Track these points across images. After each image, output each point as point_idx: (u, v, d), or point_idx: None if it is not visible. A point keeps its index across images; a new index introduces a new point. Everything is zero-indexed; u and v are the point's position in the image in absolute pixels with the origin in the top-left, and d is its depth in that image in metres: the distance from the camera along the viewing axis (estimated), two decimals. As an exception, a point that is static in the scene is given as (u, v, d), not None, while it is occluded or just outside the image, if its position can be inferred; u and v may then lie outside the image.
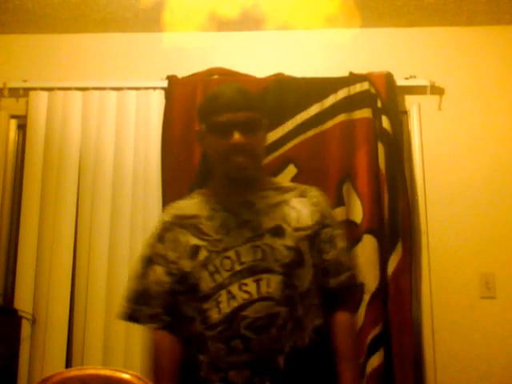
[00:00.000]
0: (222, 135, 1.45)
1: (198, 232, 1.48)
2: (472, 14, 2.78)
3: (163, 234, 1.54)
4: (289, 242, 1.44)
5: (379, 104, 2.70)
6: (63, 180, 2.70)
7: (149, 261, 1.54)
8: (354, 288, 1.58)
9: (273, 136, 2.65)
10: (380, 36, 2.89)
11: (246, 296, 1.38)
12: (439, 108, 2.81)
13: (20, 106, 2.86)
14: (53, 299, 2.59)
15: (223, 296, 1.40)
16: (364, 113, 2.68)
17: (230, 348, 1.36)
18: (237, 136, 1.43)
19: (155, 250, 1.54)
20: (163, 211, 1.64)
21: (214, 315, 1.40)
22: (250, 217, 1.47)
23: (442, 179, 2.74)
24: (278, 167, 2.62)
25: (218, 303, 1.40)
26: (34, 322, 2.59)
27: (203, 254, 1.45)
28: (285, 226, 1.46)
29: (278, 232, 1.45)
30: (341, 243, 1.54)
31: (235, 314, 1.38)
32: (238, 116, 1.45)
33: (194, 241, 1.47)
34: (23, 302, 2.60)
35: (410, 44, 2.89)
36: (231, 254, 1.43)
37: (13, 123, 2.90)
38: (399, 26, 2.88)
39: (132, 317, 1.52)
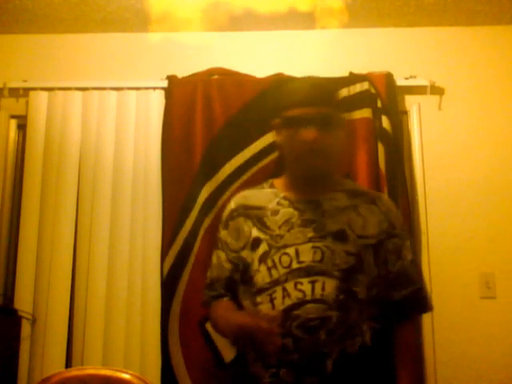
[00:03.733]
0: (295, 131, 1.43)
1: (262, 225, 1.48)
2: (472, 14, 2.78)
3: (228, 221, 1.55)
4: (350, 248, 1.42)
5: (379, 104, 2.70)
6: (63, 180, 2.70)
7: (216, 246, 1.57)
8: (418, 302, 1.53)
9: (273, 136, 2.64)
10: (380, 36, 2.89)
11: (300, 295, 1.37)
12: (439, 108, 2.81)
13: (20, 106, 2.86)
14: (53, 299, 2.59)
15: (278, 292, 1.39)
16: (364, 113, 2.68)
17: (282, 345, 1.33)
18: (309, 132, 1.40)
19: (220, 235, 1.56)
20: (231, 198, 1.62)
21: (267, 310, 1.38)
22: (315, 217, 1.45)
23: (442, 179, 2.74)
24: (279, 167, 2.62)
25: (273, 299, 1.39)
26: (34, 321, 2.59)
27: (263, 248, 1.44)
28: (348, 231, 1.44)
29: (340, 236, 1.43)
30: (408, 255, 1.50)
31: (288, 312, 1.36)
32: (312, 111, 1.42)
33: (257, 233, 1.47)
34: (23, 302, 2.60)
35: (410, 44, 2.89)
36: (291, 251, 1.42)
37: (13, 123, 2.89)
38: (399, 26, 2.88)
39: (204, 302, 1.57)
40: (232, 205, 1.58)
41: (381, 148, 2.65)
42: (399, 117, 2.76)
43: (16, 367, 2.52)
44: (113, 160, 2.73)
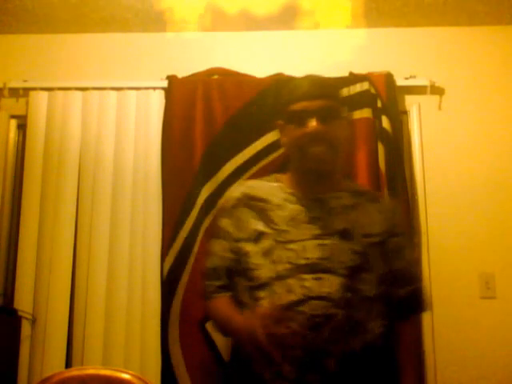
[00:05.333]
0: (298, 124, 1.43)
1: (266, 219, 1.46)
2: (472, 14, 2.78)
3: (230, 210, 1.54)
4: (356, 246, 1.42)
5: (379, 104, 2.70)
6: (63, 180, 2.70)
7: (216, 235, 1.55)
8: (421, 300, 1.53)
9: (273, 136, 2.65)
10: (380, 36, 2.89)
11: (304, 291, 1.36)
12: (439, 108, 2.81)
13: (20, 106, 2.86)
14: (53, 299, 2.59)
15: (281, 288, 1.38)
16: (364, 113, 2.68)
17: (282, 341, 1.33)
18: (313, 124, 1.41)
19: (222, 224, 1.54)
20: (233, 187, 1.62)
21: (268, 305, 1.36)
22: (321, 214, 1.45)
23: (442, 179, 2.74)
24: (279, 167, 2.62)
25: (273, 294, 1.38)
26: (33, 321, 2.59)
27: (268, 242, 1.43)
28: (354, 230, 1.44)
29: (346, 235, 1.43)
30: (409, 254, 1.52)
31: (290, 308, 1.35)
32: (313, 104, 1.43)
33: (260, 226, 1.46)
34: (23, 302, 2.60)
35: (410, 44, 2.89)
36: (296, 247, 1.41)
37: (13, 123, 2.89)
38: (399, 26, 2.88)
39: (206, 293, 1.53)
40: (236, 194, 1.56)
41: (381, 148, 2.65)
42: (399, 117, 2.76)
43: (16, 367, 2.52)
44: (113, 160, 2.72)
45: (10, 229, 2.82)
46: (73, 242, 2.67)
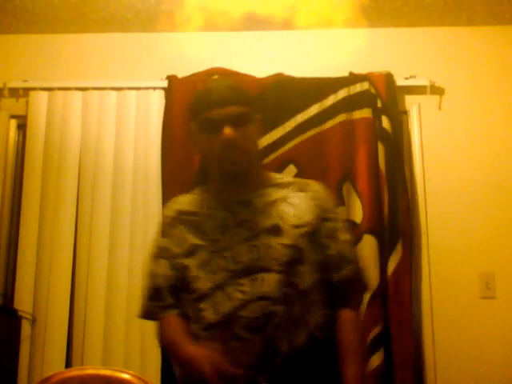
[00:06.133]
0: (212, 131, 1.43)
1: (198, 231, 1.47)
2: (472, 14, 2.78)
3: (167, 228, 1.53)
4: (286, 240, 1.42)
5: (379, 104, 2.70)
6: (63, 180, 2.70)
7: (155, 255, 1.54)
8: (358, 282, 1.51)
9: (273, 136, 2.65)
10: (380, 36, 2.89)
11: (241, 296, 1.37)
12: (439, 108, 2.81)
13: (20, 106, 2.86)
14: (53, 299, 2.59)
15: (220, 296, 1.38)
16: (364, 113, 2.69)
17: (227, 348, 1.34)
18: (227, 131, 1.40)
19: (160, 244, 1.53)
20: (165, 206, 1.62)
21: (210, 315, 1.38)
22: (247, 216, 1.45)
23: (442, 179, 2.74)
24: (278, 167, 2.62)
25: (215, 304, 1.38)
26: (33, 321, 2.59)
27: (202, 254, 1.44)
28: (282, 224, 1.44)
29: (275, 231, 1.43)
30: (343, 236, 1.50)
31: (231, 314, 1.36)
32: (227, 111, 1.42)
33: (193, 240, 1.46)
34: (23, 302, 2.60)
35: (410, 44, 2.89)
36: (228, 254, 1.41)
37: (13, 123, 2.89)
38: (399, 26, 2.88)
39: (148, 313, 1.53)
40: (167, 212, 1.57)
41: (381, 148, 2.65)
42: (399, 117, 2.76)
43: (16, 367, 2.52)
44: (113, 160, 2.73)
45: (10, 229, 2.82)
46: (73, 242, 2.67)
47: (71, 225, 2.67)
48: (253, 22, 2.81)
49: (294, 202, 1.48)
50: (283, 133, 2.69)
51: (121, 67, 2.90)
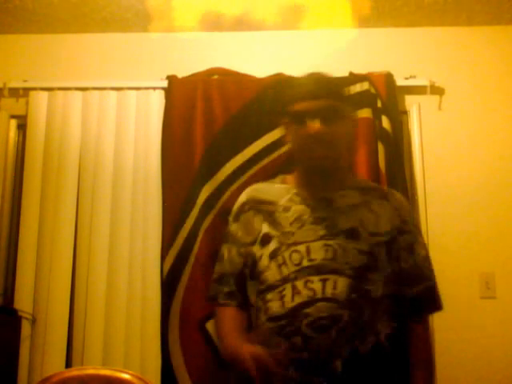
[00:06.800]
0: (301, 124, 1.42)
1: (273, 221, 1.46)
2: (472, 14, 2.78)
3: (239, 214, 1.54)
4: (363, 246, 1.40)
5: (379, 104, 2.70)
6: (63, 180, 2.70)
7: (226, 239, 1.55)
8: (433, 301, 1.52)
9: (273, 136, 2.65)
10: (380, 36, 2.89)
11: (310, 293, 1.35)
12: (439, 108, 2.81)
13: (20, 106, 2.86)
14: (53, 299, 2.59)
15: (288, 290, 1.37)
16: (364, 113, 2.68)
17: (291, 344, 1.33)
18: (315, 124, 1.39)
19: (231, 229, 1.55)
20: (244, 191, 1.60)
21: (276, 308, 1.37)
22: (326, 214, 1.44)
23: (442, 179, 2.74)
24: (280, 166, 2.62)
25: (282, 296, 1.37)
26: (33, 321, 2.59)
27: (274, 245, 1.43)
28: (361, 229, 1.42)
29: (352, 234, 1.41)
30: (420, 251, 1.49)
31: (298, 310, 1.35)
32: (316, 104, 1.41)
33: (267, 229, 1.46)
34: (23, 301, 2.60)
35: (410, 44, 2.89)
36: (302, 248, 1.40)
37: (13, 123, 2.89)
38: (399, 26, 2.88)
39: (211, 296, 1.54)
40: (243, 198, 1.56)
41: (381, 148, 2.65)
42: (399, 117, 2.76)
43: (16, 367, 2.52)
44: (113, 160, 2.72)
45: (10, 229, 2.82)
46: (73, 242, 2.67)
47: (71, 225, 2.67)
48: (253, 22, 2.81)
49: (376, 210, 1.47)
50: (283, 132, 2.68)
51: (121, 67, 2.90)
